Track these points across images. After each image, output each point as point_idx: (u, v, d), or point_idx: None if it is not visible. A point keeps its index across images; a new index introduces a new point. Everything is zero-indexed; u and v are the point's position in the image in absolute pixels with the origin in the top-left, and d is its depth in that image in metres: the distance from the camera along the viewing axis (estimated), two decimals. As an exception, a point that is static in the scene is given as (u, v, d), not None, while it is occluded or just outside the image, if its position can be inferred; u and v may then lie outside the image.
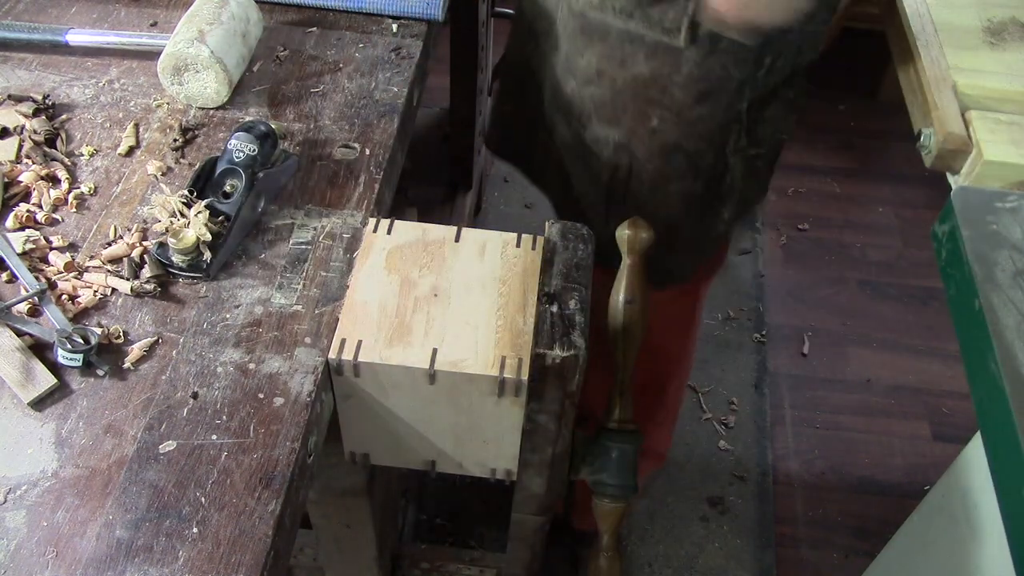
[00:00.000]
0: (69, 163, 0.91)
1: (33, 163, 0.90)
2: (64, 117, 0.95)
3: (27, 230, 0.84)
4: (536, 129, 1.21)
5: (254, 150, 0.85)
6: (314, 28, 1.07)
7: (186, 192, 0.84)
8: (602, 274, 1.12)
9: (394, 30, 1.07)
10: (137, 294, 0.80)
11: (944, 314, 2.04)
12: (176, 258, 0.80)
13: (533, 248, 0.85)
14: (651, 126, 1.04)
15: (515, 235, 0.86)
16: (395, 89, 1.00)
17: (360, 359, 0.75)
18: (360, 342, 0.76)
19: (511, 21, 1.24)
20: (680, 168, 1.07)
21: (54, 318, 0.77)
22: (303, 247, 0.85)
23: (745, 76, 1.00)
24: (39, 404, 0.72)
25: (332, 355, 0.76)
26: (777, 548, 1.67)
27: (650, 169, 1.08)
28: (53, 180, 0.89)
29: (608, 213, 1.14)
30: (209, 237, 0.81)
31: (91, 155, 0.92)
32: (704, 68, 0.98)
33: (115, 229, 0.85)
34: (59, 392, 0.73)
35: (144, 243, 0.83)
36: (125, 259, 0.82)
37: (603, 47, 1.01)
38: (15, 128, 0.93)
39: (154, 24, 1.06)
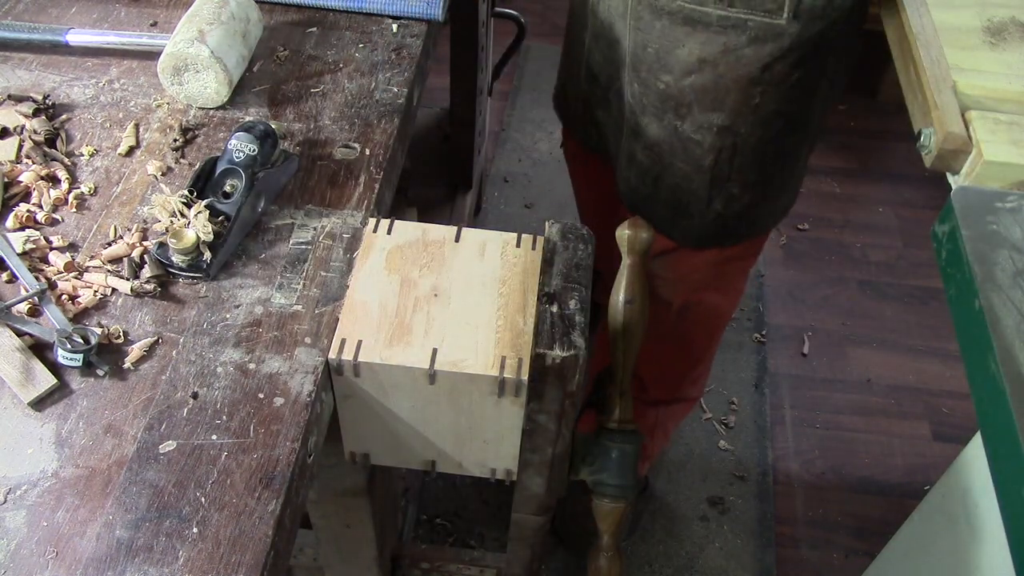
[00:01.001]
0: (69, 163, 0.91)
1: (33, 163, 0.90)
2: (64, 117, 0.95)
3: (27, 230, 0.84)
4: (620, 136, 1.24)
5: (254, 150, 0.85)
6: (314, 28, 1.08)
7: (186, 192, 0.84)
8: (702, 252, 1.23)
9: (394, 30, 1.07)
10: (137, 294, 0.80)
11: (944, 314, 2.04)
12: (176, 258, 0.80)
13: (533, 248, 0.85)
14: (754, 103, 1.08)
15: (515, 235, 0.86)
16: (395, 89, 1.00)
17: (360, 359, 0.75)
18: (360, 342, 0.76)
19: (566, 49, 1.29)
20: (780, 130, 1.12)
21: (54, 318, 0.77)
22: (303, 247, 0.85)
23: (839, 35, 1.04)
24: (39, 404, 0.72)
25: (332, 355, 0.76)
26: (777, 548, 1.67)
27: (753, 141, 1.12)
28: (53, 180, 0.89)
29: (712, 195, 1.18)
30: (210, 237, 0.81)
31: (91, 155, 0.92)
32: (803, 37, 1.02)
33: (115, 229, 0.85)
34: (59, 392, 0.73)
35: (144, 243, 0.83)
36: (125, 259, 0.82)
37: (704, 36, 1.04)
38: (15, 128, 0.93)
39: (154, 24, 1.06)
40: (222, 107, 0.98)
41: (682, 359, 1.46)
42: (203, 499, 0.67)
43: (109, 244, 0.84)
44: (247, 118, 0.96)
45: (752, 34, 1.02)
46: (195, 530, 0.65)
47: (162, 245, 0.82)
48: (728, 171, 1.15)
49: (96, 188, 0.89)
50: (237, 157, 0.85)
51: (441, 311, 0.79)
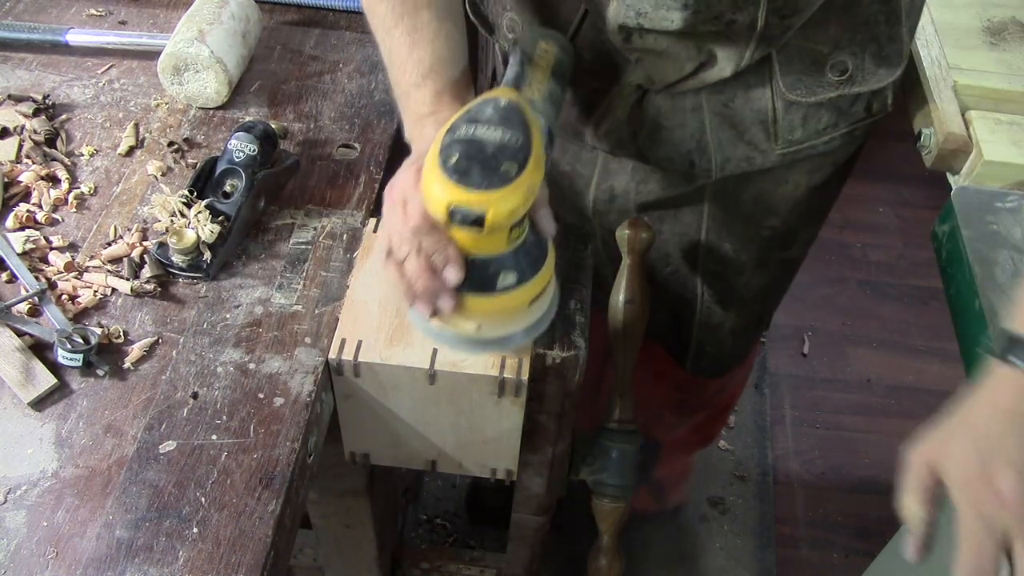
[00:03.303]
0: (69, 163, 0.91)
1: (33, 163, 0.90)
2: (64, 117, 0.95)
3: (27, 230, 0.84)
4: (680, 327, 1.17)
5: (254, 150, 0.85)
6: (314, 28, 1.07)
7: (186, 192, 0.84)
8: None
9: (394, 30, 1.07)
10: (137, 294, 0.80)
11: (944, 314, 2.02)
12: (176, 258, 0.80)
13: (533, 248, 0.85)
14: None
15: (515, 235, 0.86)
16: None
17: (360, 359, 0.75)
18: (360, 342, 0.76)
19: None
20: None
21: (54, 318, 0.77)
22: (303, 247, 0.85)
23: None
24: (39, 404, 0.72)
25: (332, 355, 0.76)
26: (777, 548, 1.67)
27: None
28: (53, 180, 0.89)
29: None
30: (212, 237, 0.81)
31: (91, 155, 0.92)
32: None
33: (115, 229, 0.85)
34: (59, 392, 0.73)
35: (144, 243, 0.83)
36: (125, 259, 0.82)
37: (810, 164, 0.97)
38: (15, 128, 0.93)
39: (154, 24, 1.06)
40: (222, 107, 0.97)
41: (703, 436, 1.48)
42: (203, 499, 0.67)
43: (109, 244, 0.84)
44: (247, 118, 0.96)
45: (859, 134, 0.94)
46: (195, 530, 0.65)
47: (162, 245, 0.81)
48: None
49: (96, 188, 0.89)
50: (237, 157, 0.85)
51: (441, 311, 0.79)
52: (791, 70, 0.84)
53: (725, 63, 0.82)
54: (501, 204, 0.63)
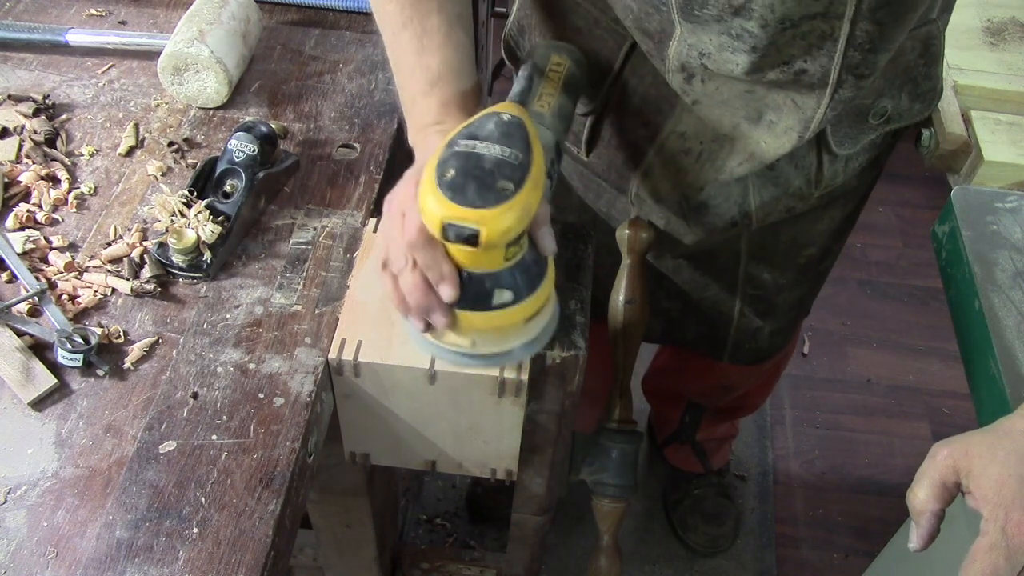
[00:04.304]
0: (69, 163, 0.91)
1: (33, 163, 0.90)
2: (64, 117, 0.95)
3: (27, 230, 0.84)
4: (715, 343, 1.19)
5: (254, 150, 0.85)
6: (314, 28, 1.08)
7: (186, 192, 0.84)
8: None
9: (394, 30, 1.07)
10: (137, 294, 0.80)
11: (944, 314, 2.01)
12: (176, 258, 0.80)
13: (533, 248, 0.85)
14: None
15: (515, 235, 0.86)
16: (395, 89, 1.00)
17: (360, 359, 0.75)
18: (360, 342, 0.76)
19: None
20: None
21: (54, 318, 0.77)
22: (303, 247, 0.85)
23: None
24: (39, 404, 0.72)
25: (332, 355, 0.76)
26: (777, 548, 1.67)
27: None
28: (53, 180, 0.89)
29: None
30: (213, 237, 0.81)
31: (91, 155, 0.92)
32: None
33: (115, 229, 0.85)
34: (59, 392, 0.73)
35: (144, 243, 0.83)
36: (125, 259, 0.82)
37: (844, 201, 0.99)
38: (15, 128, 0.93)
39: (154, 24, 1.06)
40: (222, 107, 0.97)
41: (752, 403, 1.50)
42: (203, 499, 0.67)
43: (109, 244, 0.84)
44: (247, 118, 0.96)
45: (884, 159, 0.97)
46: (195, 530, 0.65)
47: (162, 245, 0.82)
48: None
49: (96, 188, 0.89)
50: (237, 157, 0.85)
51: (441, 311, 0.79)
52: (839, 128, 0.84)
53: (785, 135, 0.79)
54: (495, 222, 0.62)
